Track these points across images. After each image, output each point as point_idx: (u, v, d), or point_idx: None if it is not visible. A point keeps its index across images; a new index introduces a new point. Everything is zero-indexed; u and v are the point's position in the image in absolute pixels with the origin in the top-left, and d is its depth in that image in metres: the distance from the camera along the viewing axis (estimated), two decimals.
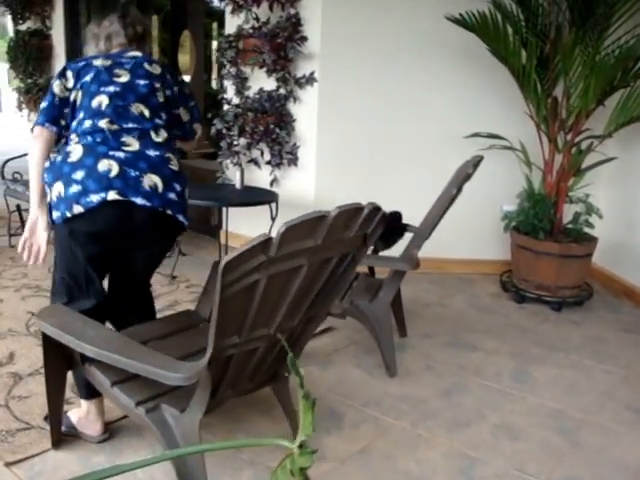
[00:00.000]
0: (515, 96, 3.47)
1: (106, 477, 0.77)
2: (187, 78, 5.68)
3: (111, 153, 1.90)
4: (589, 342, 3.04)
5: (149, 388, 1.76)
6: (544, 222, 3.35)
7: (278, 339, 1.76)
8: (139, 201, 1.88)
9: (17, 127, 6.51)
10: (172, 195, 1.96)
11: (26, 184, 3.93)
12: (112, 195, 1.85)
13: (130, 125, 1.98)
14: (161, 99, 2.08)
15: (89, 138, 1.93)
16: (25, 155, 4.24)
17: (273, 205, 3.64)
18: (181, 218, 2.01)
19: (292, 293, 1.62)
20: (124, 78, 2.04)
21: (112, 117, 1.96)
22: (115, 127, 1.95)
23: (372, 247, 3.05)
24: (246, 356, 1.68)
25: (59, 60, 5.58)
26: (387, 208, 3.14)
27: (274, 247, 1.44)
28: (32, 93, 5.41)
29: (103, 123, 1.95)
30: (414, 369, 2.68)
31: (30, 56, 5.34)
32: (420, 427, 2.24)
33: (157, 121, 2.03)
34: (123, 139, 1.94)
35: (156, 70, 2.11)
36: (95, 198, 1.85)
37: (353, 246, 1.76)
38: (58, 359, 1.86)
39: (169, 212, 1.95)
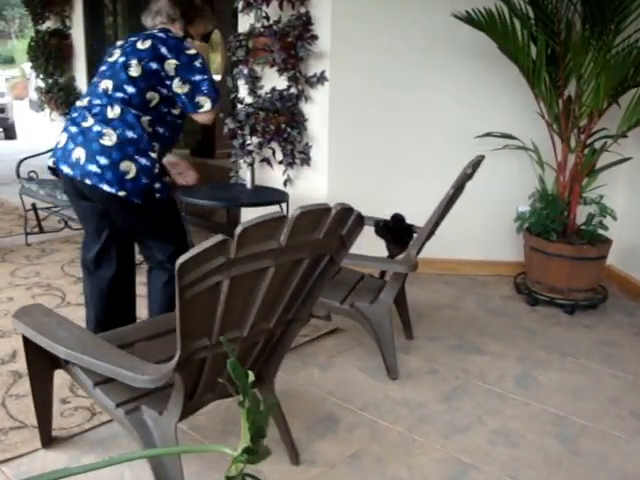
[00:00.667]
0: (528, 95, 3.38)
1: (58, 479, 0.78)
2: (218, 77, 5.70)
3: (69, 128, 2.27)
4: (600, 346, 2.95)
5: (130, 390, 1.75)
6: (556, 223, 3.26)
7: (255, 341, 1.76)
8: (65, 169, 2.24)
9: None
10: (93, 167, 2.18)
11: (41, 183, 4.01)
12: (51, 163, 2.33)
13: (95, 101, 2.26)
14: (134, 73, 2.22)
15: (71, 114, 2.33)
16: (41, 154, 4.35)
17: (284, 205, 3.63)
18: (106, 188, 2.20)
19: (261, 295, 1.60)
20: (113, 57, 2.30)
21: (89, 95, 2.30)
22: (85, 104, 2.28)
23: (388, 252, 3.01)
24: (221, 358, 1.66)
25: (79, 59, 5.67)
26: (400, 206, 3.15)
27: (233, 248, 1.43)
28: (53, 92, 5.50)
29: (81, 102, 2.31)
30: (416, 372, 2.64)
31: (50, 56, 5.43)
32: (416, 432, 2.20)
33: (116, 95, 2.23)
34: (85, 114, 2.25)
35: (144, 45, 2.25)
36: (51, 162, 2.35)
37: (328, 247, 1.73)
38: (41, 358, 1.87)
39: (87, 181, 2.21)
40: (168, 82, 2.25)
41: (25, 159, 4.16)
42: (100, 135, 2.18)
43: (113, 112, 2.21)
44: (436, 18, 3.55)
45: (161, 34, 2.29)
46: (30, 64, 5.86)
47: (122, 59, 2.24)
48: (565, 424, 2.29)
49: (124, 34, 5.99)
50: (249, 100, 4.06)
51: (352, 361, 2.69)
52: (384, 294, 2.60)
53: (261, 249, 1.51)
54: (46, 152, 4.41)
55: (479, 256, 3.85)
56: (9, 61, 18.42)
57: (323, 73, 3.75)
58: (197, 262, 1.39)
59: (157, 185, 2.29)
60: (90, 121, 2.21)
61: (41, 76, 5.59)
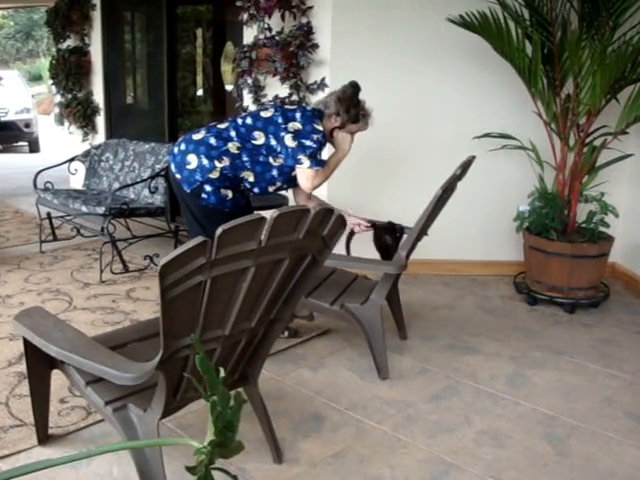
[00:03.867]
0: (525, 95, 3.38)
1: (35, 470, 0.84)
2: (230, 88, 5.83)
3: None
4: (598, 345, 2.91)
5: (119, 388, 1.83)
6: (556, 222, 3.24)
7: (236, 340, 1.81)
8: None
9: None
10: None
11: (55, 193, 4.17)
12: None
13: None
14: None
15: None
16: (58, 165, 4.53)
17: None
18: (172, 168, 2.64)
19: (242, 294, 1.65)
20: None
21: None
22: None
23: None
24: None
25: (97, 75, 5.86)
26: (399, 209, 3.17)
27: (213, 249, 1.49)
28: (72, 106, 5.70)
29: None
30: (408, 372, 2.65)
31: (70, 72, 5.63)
32: (401, 432, 2.22)
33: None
34: None
35: None
36: None
37: (309, 248, 1.77)
38: (39, 358, 1.96)
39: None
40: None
41: (41, 171, 4.32)
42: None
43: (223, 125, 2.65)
44: (432, 23, 3.57)
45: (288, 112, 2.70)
46: (51, 81, 6.08)
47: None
48: (555, 424, 2.28)
49: (142, 49, 6.18)
50: (253, 109, 4.14)
51: (343, 362, 2.72)
52: (374, 294, 2.63)
53: (241, 250, 1.56)
54: (61, 164, 4.60)
55: (479, 256, 3.85)
56: (37, 78, 19.10)
57: (323, 80, 3.80)
58: (179, 263, 1.45)
59: (207, 188, 2.55)
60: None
61: (61, 92, 5.80)
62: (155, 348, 2.04)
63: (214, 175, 2.55)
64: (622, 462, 2.07)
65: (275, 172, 2.62)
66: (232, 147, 2.58)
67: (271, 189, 2.69)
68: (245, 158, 2.58)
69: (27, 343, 1.96)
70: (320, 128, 2.59)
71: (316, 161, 2.57)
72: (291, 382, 2.53)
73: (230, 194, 2.60)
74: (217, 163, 2.55)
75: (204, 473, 0.80)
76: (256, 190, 2.68)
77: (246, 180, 2.62)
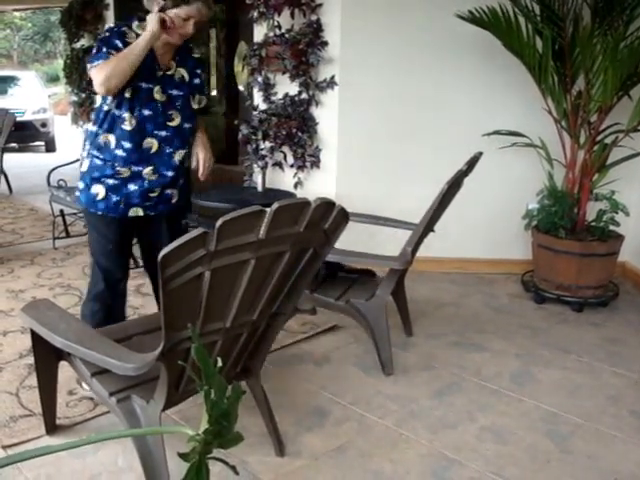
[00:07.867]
0: (535, 92, 3.35)
1: (33, 457, 0.86)
2: (242, 88, 5.84)
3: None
4: (605, 344, 2.89)
5: (123, 380, 1.87)
6: (565, 220, 3.22)
7: (238, 333, 1.83)
8: None
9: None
10: None
11: (68, 190, 4.23)
12: None
13: None
14: None
15: None
16: (71, 163, 4.59)
17: None
18: None
19: (243, 287, 1.66)
20: None
21: None
22: None
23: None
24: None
25: None
26: (407, 206, 3.17)
27: (213, 241, 1.51)
28: (85, 105, 5.79)
29: None
30: (412, 369, 2.65)
31: (83, 71, 5.70)
32: (404, 427, 2.23)
33: None
34: None
35: None
36: None
37: (310, 241, 1.78)
38: (46, 350, 2.00)
39: None
40: None
41: (55, 168, 4.40)
42: None
43: None
44: (441, 19, 3.57)
45: None
46: (65, 80, 6.17)
47: None
48: (559, 422, 2.27)
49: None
50: (264, 107, 4.17)
51: (348, 357, 2.73)
52: (380, 290, 2.64)
53: (241, 242, 1.58)
54: (74, 162, 4.65)
55: (486, 254, 3.83)
56: (55, 79, 19.35)
57: (333, 78, 3.82)
58: (179, 254, 1.47)
59: (80, 185, 2.32)
60: None
61: (75, 91, 5.88)
62: (160, 341, 2.09)
63: (83, 168, 2.30)
64: (626, 460, 2.06)
65: (104, 106, 2.26)
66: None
67: (125, 125, 2.22)
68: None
69: (34, 335, 2.01)
70: (106, 29, 2.38)
71: (93, 58, 2.18)
72: (296, 377, 2.55)
73: (102, 192, 2.25)
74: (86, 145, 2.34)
75: (198, 461, 0.82)
76: (127, 145, 2.23)
77: (106, 146, 2.24)
